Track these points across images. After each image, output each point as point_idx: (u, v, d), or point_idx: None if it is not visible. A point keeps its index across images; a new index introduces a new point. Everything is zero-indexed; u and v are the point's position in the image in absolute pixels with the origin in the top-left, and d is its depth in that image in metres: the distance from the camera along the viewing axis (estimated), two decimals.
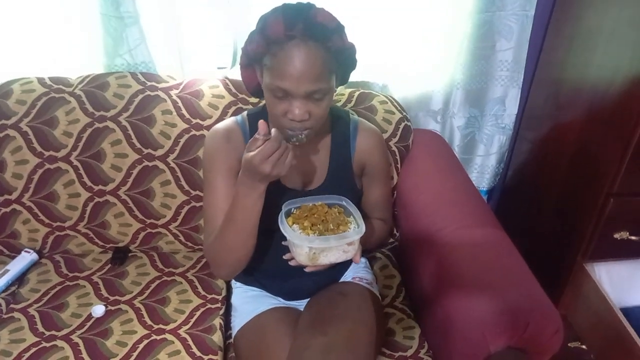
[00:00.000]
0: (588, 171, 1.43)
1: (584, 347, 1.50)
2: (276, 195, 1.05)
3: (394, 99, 1.51)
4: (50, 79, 1.40)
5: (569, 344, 1.49)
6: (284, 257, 1.06)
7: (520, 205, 1.84)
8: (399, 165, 1.49)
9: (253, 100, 1.42)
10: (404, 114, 1.49)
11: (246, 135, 1.11)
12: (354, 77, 1.56)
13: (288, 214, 1.03)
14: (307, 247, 0.98)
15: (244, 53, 1.01)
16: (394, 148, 1.47)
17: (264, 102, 1.06)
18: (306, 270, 1.04)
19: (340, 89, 1.56)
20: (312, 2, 0.94)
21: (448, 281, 1.16)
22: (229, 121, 1.14)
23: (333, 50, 0.94)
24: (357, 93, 1.49)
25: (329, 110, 1.01)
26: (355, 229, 1.01)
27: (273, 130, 0.90)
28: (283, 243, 1.07)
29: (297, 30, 0.89)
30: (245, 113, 1.16)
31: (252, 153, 0.90)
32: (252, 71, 1.02)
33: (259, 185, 0.95)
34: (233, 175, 1.06)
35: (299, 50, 0.90)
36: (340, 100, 1.46)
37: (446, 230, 1.26)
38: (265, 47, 0.93)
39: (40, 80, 1.39)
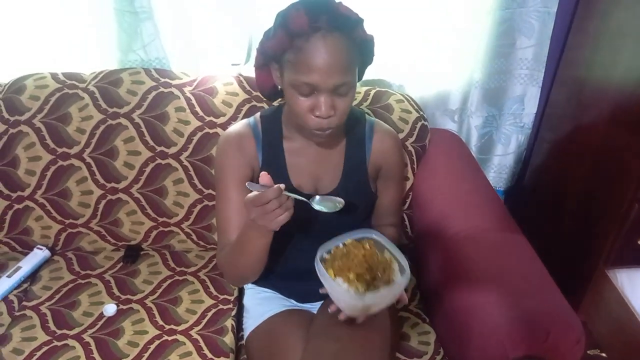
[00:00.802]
0: (612, 175, 1.39)
1: (603, 355, 1.46)
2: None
3: (410, 97, 1.48)
4: (64, 74, 1.39)
5: (588, 352, 1.46)
6: (329, 309, 0.99)
7: (539, 206, 1.80)
8: (415, 166, 1.45)
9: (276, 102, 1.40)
10: (421, 113, 1.46)
11: (258, 139, 1.09)
12: (370, 75, 1.56)
13: (322, 260, 0.97)
14: (360, 304, 0.93)
15: (260, 53, 0.98)
16: (410, 148, 1.44)
17: (277, 102, 1.04)
18: (358, 321, 0.99)
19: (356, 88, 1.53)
20: None
21: (465, 286, 1.13)
22: (241, 125, 1.11)
23: (358, 41, 0.92)
24: (374, 91, 1.46)
25: (351, 107, 0.99)
26: (402, 270, 0.97)
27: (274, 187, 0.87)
28: (321, 291, 1.01)
29: (322, 22, 0.87)
30: (258, 115, 1.13)
31: (253, 207, 0.87)
32: (268, 72, 0.99)
33: (265, 233, 0.94)
34: (246, 180, 1.04)
35: (325, 41, 0.87)
36: (356, 99, 1.43)
37: (463, 234, 1.23)
38: (288, 41, 0.89)
39: (54, 76, 1.38)
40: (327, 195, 1.06)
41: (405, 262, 0.97)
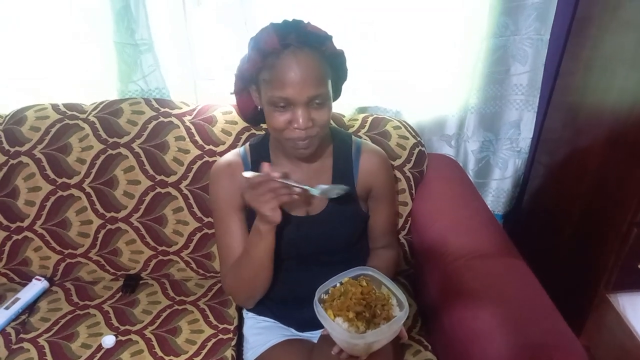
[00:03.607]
0: (609, 198, 1.39)
1: None
2: (280, 223, 1.03)
3: (407, 124, 1.50)
4: (65, 105, 1.41)
5: None
6: (333, 352, 0.99)
7: (538, 230, 1.80)
8: (413, 191, 1.46)
9: (265, 125, 1.41)
10: (418, 139, 1.47)
11: (248, 168, 1.11)
12: (367, 102, 1.59)
13: (320, 301, 0.98)
14: (362, 342, 0.94)
15: (237, 78, 1.04)
16: (408, 174, 1.44)
17: (265, 131, 1.07)
18: None
19: (353, 115, 1.55)
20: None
21: (466, 313, 1.12)
22: (232, 154, 1.15)
23: (327, 54, 0.98)
24: (371, 118, 1.47)
25: (330, 119, 1.02)
26: (401, 305, 0.98)
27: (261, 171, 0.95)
28: (323, 333, 1.05)
29: (291, 39, 0.93)
30: (247, 144, 1.18)
31: (247, 189, 0.96)
32: (247, 95, 1.05)
33: (266, 233, 0.99)
34: (240, 210, 1.10)
35: (296, 56, 0.93)
36: (353, 126, 1.44)
37: (463, 259, 1.23)
38: (261, 61, 0.95)
39: (55, 107, 1.39)
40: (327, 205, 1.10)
41: (403, 297, 0.97)
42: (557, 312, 1.07)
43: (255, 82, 1.00)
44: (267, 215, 0.95)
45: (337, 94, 1.08)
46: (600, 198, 1.44)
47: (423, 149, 1.47)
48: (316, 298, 0.97)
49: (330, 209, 1.12)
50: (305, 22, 0.97)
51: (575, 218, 1.56)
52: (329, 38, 0.99)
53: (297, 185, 0.96)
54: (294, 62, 0.92)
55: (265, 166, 0.94)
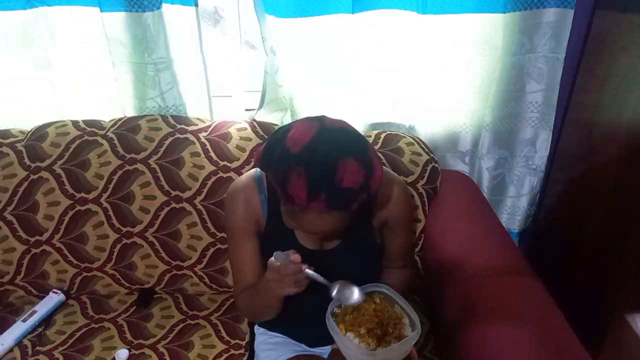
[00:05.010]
0: (627, 216, 1.37)
1: None
2: None
3: (421, 140, 1.50)
4: (84, 122, 1.44)
5: None
6: None
7: (554, 248, 1.77)
8: (426, 208, 1.46)
9: None
10: (432, 155, 1.47)
11: (263, 194, 1.08)
12: (380, 118, 1.60)
13: (333, 314, 0.98)
14: (372, 359, 0.93)
15: (262, 161, 0.92)
16: (421, 190, 1.44)
17: None
18: None
19: (366, 131, 1.55)
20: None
21: (480, 332, 1.11)
22: (247, 177, 1.11)
23: (356, 207, 0.89)
24: (384, 135, 1.48)
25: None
26: (413, 324, 0.97)
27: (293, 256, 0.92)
28: (333, 347, 1.08)
29: (320, 200, 0.83)
30: None
31: (273, 274, 0.94)
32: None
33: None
34: (253, 236, 1.10)
35: (321, 218, 0.87)
36: None
37: (476, 277, 1.22)
38: (285, 200, 0.88)
39: (75, 124, 1.43)
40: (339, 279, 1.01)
41: (415, 317, 0.96)
42: (573, 334, 1.05)
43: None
44: (283, 294, 0.97)
45: None
46: (617, 216, 1.42)
47: (436, 165, 1.47)
48: (329, 311, 0.96)
49: (345, 244, 1.10)
50: (344, 164, 0.82)
51: (592, 236, 1.53)
52: (365, 190, 0.86)
53: (320, 279, 0.95)
54: (317, 220, 0.87)
55: (297, 258, 0.91)
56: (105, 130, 1.42)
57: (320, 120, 0.88)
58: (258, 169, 1.13)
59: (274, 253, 0.93)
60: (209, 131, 1.44)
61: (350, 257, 1.09)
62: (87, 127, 1.42)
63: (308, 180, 0.81)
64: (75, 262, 1.41)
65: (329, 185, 0.82)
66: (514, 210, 1.79)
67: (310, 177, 0.81)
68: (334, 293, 0.96)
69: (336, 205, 0.85)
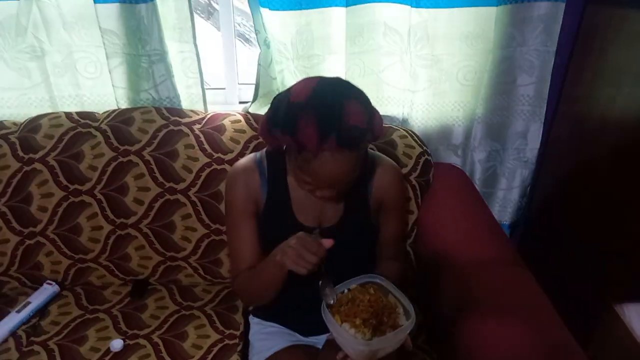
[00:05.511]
0: (616, 208, 1.39)
1: None
2: (292, 233, 1.05)
3: (414, 132, 1.51)
4: (78, 114, 1.44)
5: None
6: (338, 357, 1.01)
7: (545, 240, 1.80)
8: (419, 200, 1.47)
9: None
10: (425, 148, 1.48)
11: (263, 175, 1.11)
12: None
13: (328, 306, 1.00)
14: (367, 349, 0.95)
15: (268, 124, 0.97)
16: (414, 182, 1.45)
17: None
18: None
19: None
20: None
21: (470, 323, 1.12)
22: (248, 159, 1.15)
23: (364, 146, 0.96)
24: None
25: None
26: (408, 314, 0.99)
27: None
28: (328, 337, 1.09)
29: (330, 142, 0.87)
30: (264, 150, 1.16)
31: (294, 241, 0.95)
32: (274, 137, 0.98)
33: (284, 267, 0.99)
34: (252, 217, 1.11)
35: (333, 160, 0.90)
36: None
37: (468, 268, 1.23)
38: (296, 149, 0.92)
39: (68, 115, 1.43)
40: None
41: (410, 306, 0.98)
42: (563, 324, 1.07)
43: (285, 146, 1.00)
44: (292, 269, 0.96)
45: None
46: (608, 208, 1.44)
47: (429, 158, 1.48)
48: (324, 303, 0.98)
49: (344, 221, 1.13)
50: (349, 104, 0.89)
51: (582, 228, 1.56)
52: (370, 130, 0.93)
53: (330, 280, 1.00)
54: (330, 163, 0.90)
55: (329, 242, 0.95)
56: (99, 122, 1.42)
57: (318, 77, 0.96)
58: (258, 154, 1.15)
59: (313, 231, 0.98)
60: (202, 123, 1.44)
61: (348, 236, 1.12)
62: (80, 119, 1.42)
63: (318, 122, 0.87)
64: (69, 253, 1.42)
65: (338, 124, 0.87)
66: (505, 202, 1.81)
67: (319, 119, 0.87)
68: (330, 301, 0.99)
69: (346, 142, 0.89)
